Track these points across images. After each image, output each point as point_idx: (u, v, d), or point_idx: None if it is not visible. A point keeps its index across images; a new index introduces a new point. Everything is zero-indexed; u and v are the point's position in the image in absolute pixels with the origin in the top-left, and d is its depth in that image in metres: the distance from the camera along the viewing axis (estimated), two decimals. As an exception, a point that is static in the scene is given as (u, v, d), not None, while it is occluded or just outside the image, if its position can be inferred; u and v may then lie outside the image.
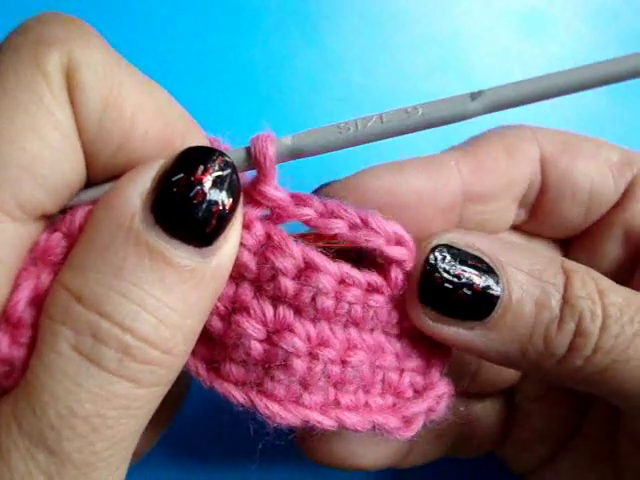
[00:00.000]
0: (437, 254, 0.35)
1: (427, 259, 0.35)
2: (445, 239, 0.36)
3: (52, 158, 0.30)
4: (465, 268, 0.35)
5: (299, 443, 0.47)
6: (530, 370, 0.39)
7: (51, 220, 0.32)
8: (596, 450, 0.47)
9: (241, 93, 0.63)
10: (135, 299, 0.29)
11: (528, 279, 0.36)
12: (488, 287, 0.35)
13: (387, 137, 0.32)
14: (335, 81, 0.65)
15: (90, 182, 0.33)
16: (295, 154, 0.32)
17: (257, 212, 0.34)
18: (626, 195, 0.45)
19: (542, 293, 0.35)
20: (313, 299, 0.33)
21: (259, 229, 0.33)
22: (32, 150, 0.29)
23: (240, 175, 0.34)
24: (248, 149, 0.32)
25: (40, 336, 0.29)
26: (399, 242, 0.35)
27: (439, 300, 0.35)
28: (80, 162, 0.31)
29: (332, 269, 0.33)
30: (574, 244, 0.48)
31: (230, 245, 0.31)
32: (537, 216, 0.46)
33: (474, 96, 0.31)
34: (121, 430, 0.29)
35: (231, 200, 0.30)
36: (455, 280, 0.35)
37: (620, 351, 0.35)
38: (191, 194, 0.29)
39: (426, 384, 0.39)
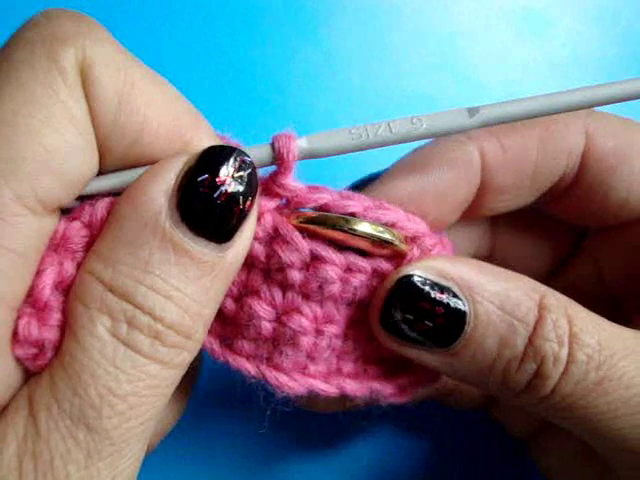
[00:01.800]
0: (404, 284, 0.35)
1: (393, 287, 0.36)
2: (418, 268, 0.36)
3: (69, 153, 0.30)
4: (433, 298, 0.35)
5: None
6: (494, 394, 0.40)
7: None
8: None
9: (240, 93, 0.64)
10: (162, 291, 0.31)
11: (497, 313, 0.35)
12: (453, 320, 0.35)
13: (393, 144, 0.36)
14: (334, 81, 0.66)
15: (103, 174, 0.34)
16: (310, 155, 0.36)
17: (270, 204, 0.37)
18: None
19: (508, 330, 0.35)
20: (320, 287, 0.36)
21: (268, 221, 0.36)
22: (50, 145, 0.30)
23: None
24: (272, 145, 0.35)
25: (75, 322, 0.31)
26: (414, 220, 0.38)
27: (399, 330, 0.36)
28: (94, 156, 0.32)
29: (338, 259, 0.36)
30: (593, 232, 0.47)
31: (244, 238, 0.34)
32: (559, 203, 0.45)
33: (471, 113, 0.35)
34: (152, 407, 0.32)
35: (250, 199, 0.32)
36: (418, 312, 0.35)
37: (579, 397, 0.35)
38: (215, 195, 0.31)
39: None
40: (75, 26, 0.32)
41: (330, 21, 0.67)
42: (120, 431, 0.31)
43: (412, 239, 0.38)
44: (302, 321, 0.36)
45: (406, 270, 0.36)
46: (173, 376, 0.33)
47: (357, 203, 0.36)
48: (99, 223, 0.33)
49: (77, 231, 0.33)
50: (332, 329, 0.38)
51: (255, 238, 0.36)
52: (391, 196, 0.39)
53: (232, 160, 0.31)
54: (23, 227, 0.30)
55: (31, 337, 0.31)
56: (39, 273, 0.32)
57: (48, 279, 0.32)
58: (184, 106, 0.35)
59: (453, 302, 0.35)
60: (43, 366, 0.32)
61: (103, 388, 0.30)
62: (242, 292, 0.37)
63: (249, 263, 0.37)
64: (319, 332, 0.37)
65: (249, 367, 0.37)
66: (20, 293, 0.31)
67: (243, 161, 0.32)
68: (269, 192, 0.37)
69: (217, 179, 0.31)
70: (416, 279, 0.35)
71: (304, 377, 0.37)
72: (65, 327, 0.32)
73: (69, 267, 0.32)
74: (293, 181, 0.36)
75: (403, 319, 0.35)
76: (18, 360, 0.31)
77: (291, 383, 0.37)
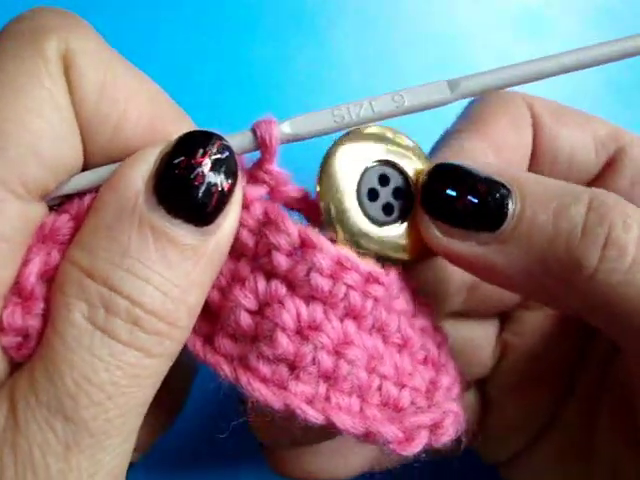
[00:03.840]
0: (443, 166, 0.35)
1: (430, 171, 0.35)
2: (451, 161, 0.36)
3: (53, 138, 0.31)
4: (474, 174, 0.34)
5: (267, 456, 0.46)
6: (555, 290, 0.35)
7: (48, 202, 0.34)
8: (570, 443, 0.47)
9: (240, 93, 0.64)
10: (141, 275, 0.30)
11: (543, 191, 0.34)
12: (496, 195, 0.34)
13: (376, 122, 0.36)
14: (334, 80, 0.66)
15: (87, 167, 0.34)
16: (293, 139, 0.35)
17: (258, 192, 0.36)
18: (606, 169, 0.44)
19: (559, 204, 0.33)
20: (307, 275, 0.34)
21: (258, 208, 0.35)
22: (35, 130, 0.30)
23: (242, 157, 0.37)
24: (253, 131, 0.35)
25: (54, 310, 0.31)
26: None
27: (444, 209, 0.35)
28: (78, 144, 0.33)
29: (329, 248, 0.34)
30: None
31: (229, 223, 0.33)
32: None
33: (452, 86, 0.35)
34: (132, 398, 0.31)
35: (229, 181, 0.32)
36: (459, 188, 0.34)
37: None
38: (191, 176, 0.30)
39: (430, 405, 0.37)
40: (60, 20, 0.32)
41: (329, 21, 0.67)
42: (98, 422, 0.30)
43: None
44: (282, 313, 0.33)
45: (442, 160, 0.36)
46: (155, 366, 0.32)
47: None
48: (84, 214, 0.33)
49: (65, 223, 0.33)
50: (318, 337, 0.34)
51: (245, 226, 0.35)
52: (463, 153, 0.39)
53: (209, 143, 0.31)
54: (7, 212, 0.30)
55: (15, 325, 0.31)
56: (25, 262, 0.32)
57: (34, 268, 0.31)
58: (166, 101, 0.35)
59: (495, 182, 0.34)
60: (27, 356, 0.31)
61: (79, 376, 0.29)
62: (229, 282, 0.36)
63: (238, 252, 0.36)
64: (303, 336, 0.34)
65: (225, 367, 0.34)
66: (6, 279, 0.31)
67: (220, 144, 0.32)
68: (255, 179, 0.36)
69: (193, 160, 0.31)
70: (454, 166, 0.35)
71: (281, 390, 0.33)
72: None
73: (55, 258, 0.32)
74: (277, 167, 0.36)
75: (446, 198, 0.34)
76: (3, 349, 0.31)
77: (265, 391, 0.33)
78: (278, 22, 0.66)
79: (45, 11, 0.33)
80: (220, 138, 0.32)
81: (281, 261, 0.34)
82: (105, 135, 0.33)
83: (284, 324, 0.33)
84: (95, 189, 0.34)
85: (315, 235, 0.34)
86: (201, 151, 0.31)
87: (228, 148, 0.32)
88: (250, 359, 0.34)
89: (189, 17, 0.66)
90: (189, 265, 0.32)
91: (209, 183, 0.31)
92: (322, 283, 0.34)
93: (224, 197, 0.32)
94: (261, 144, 0.35)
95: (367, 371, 0.35)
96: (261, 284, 0.35)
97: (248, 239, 0.35)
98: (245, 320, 0.34)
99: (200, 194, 0.31)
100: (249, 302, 0.34)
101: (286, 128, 0.35)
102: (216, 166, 0.31)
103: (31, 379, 0.30)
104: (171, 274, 0.31)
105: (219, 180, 0.31)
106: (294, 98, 0.64)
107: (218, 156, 0.31)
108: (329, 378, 0.34)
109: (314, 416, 0.33)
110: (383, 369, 0.36)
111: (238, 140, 0.35)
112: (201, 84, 0.64)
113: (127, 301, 0.30)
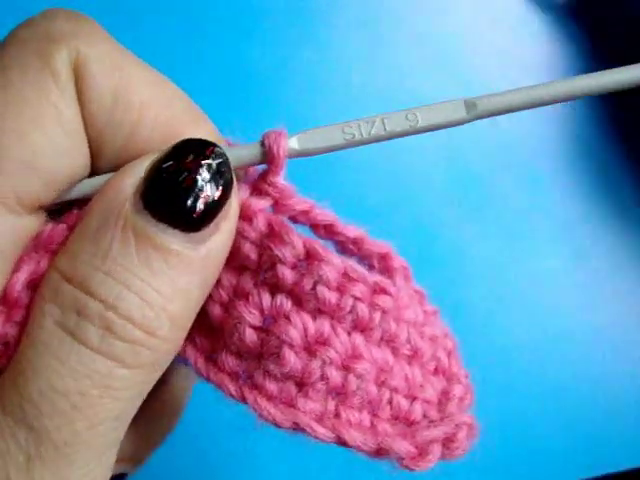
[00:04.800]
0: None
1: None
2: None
3: (54, 153, 0.30)
4: None
5: None
6: None
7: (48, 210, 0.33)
8: None
9: (239, 93, 0.64)
10: (120, 279, 0.29)
11: None
12: None
13: (387, 140, 0.35)
14: (334, 81, 0.65)
15: (97, 173, 0.33)
16: (301, 154, 0.35)
17: (261, 204, 0.35)
18: None
19: None
20: (313, 288, 0.33)
21: (261, 220, 0.34)
22: (35, 145, 0.29)
23: (252, 169, 0.36)
24: (262, 142, 0.34)
25: (30, 315, 0.30)
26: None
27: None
28: (83, 158, 0.32)
29: (335, 260, 0.33)
30: None
31: (222, 235, 0.32)
32: None
33: (468, 106, 0.34)
34: (102, 410, 0.29)
35: (221, 189, 0.30)
36: None
37: None
38: (179, 179, 0.29)
39: (442, 417, 0.36)
40: (70, 25, 0.31)
41: (329, 21, 0.67)
42: (63, 434, 0.28)
43: (382, 257, 0.37)
44: (289, 329, 0.32)
45: None
46: (131, 378, 0.30)
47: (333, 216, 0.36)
48: None
49: (61, 232, 0.32)
50: (326, 352, 0.33)
51: (247, 238, 0.34)
52: None
53: (200, 148, 0.30)
54: (1, 225, 0.30)
55: None
56: (14, 270, 0.31)
57: (21, 276, 0.30)
58: (183, 104, 0.34)
59: None
60: (6, 364, 0.30)
61: (44, 383, 0.28)
62: (231, 297, 0.35)
63: (241, 266, 0.35)
64: (310, 352, 0.33)
65: (230, 385, 0.33)
66: None
67: (213, 150, 0.30)
68: (260, 191, 0.35)
69: (181, 165, 0.30)
70: None
71: (290, 408, 0.33)
72: None
73: (45, 267, 0.31)
74: (283, 180, 0.35)
75: None
76: None
77: (272, 410, 0.32)
78: (277, 22, 0.66)
79: (55, 15, 0.32)
80: (214, 145, 0.31)
81: (286, 274, 0.33)
82: (119, 142, 0.32)
83: (291, 340, 0.32)
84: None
85: (321, 247, 0.33)
86: (192, 156, 0.30)
87: (222, 155, 0.31)
88: (256, 377, 0.33)
89: (189, 17, 0.65)
90: (174, 273, 0.30)
91: (198, 188, 0.29)
92: (329, 296, 0.33)
93: (215, 204, 0.30)
94: (268, 155, 0.34)
95: (377, 385, 0.34)
96: (266, 299, 0.33)
97: (251, 252, 0.34)
98: (250, 336, 0.33)
99: (187, 198, 0.29)
100: (253, 318, 0.33)
101: (294, 143, 0.34)
102: (206, 171, 0.30)
103: (0, 386, 0.29)
104: (153, 280, 0.29)
105: (209, 186, 0.30)
106: (293, 98, 0.64)
107: (209, 161, 0.30)
108: (338, 394, 0.33)
109: (324, 434, 0.32)
110: (393, 382, 0.35)
111: (246, 151, 0.34)
112: (201, 84, 0.62)
113: (101, 305, 0.29)
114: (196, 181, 0.30)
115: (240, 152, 0.34)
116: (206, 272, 0.32)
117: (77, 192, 0.33)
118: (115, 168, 0.33)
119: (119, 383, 0.29)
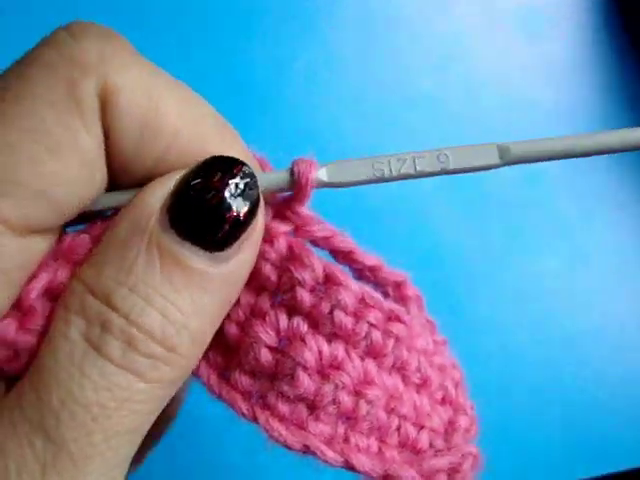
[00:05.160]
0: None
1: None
2: None
3: (68, 183, 0.30)
4: None
5: None
6: None
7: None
8: None
9: (240, 93, 0.64)
10: (143, 295, 0.29)
11: None
12: None
13: (416, 179, 0.35)
14: (334, 81, 0.65)
15: None
16: (328, 186, 0.35)
17: (283, 228, 0.35)
18: None
19: None
20: (330, 312, 0.33)
21: (282, 243, 0.35)
22: (49, 174, 0.29)
23: (277, 196, 0.36)
24: (291, 170, 0.34)
25: (52, 324, 0.30)
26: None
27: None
28: (98, 187, 0.32)
29: (353, 286, 0.34)
30: None
31: (245, 255, 0.32)
32: None
33: (501, 150, 0.34)
34: (120, 423, 0.29)
35: (247, 208, 0.30)
36: None
37: None
38: (205, 197, 0.30)
39: (448, 447, 0.37)
40: (100, 48, 0.30)
41: (330, 21, 0.67)
42: (80, 444, 0.28)
43: (397, 286, 0.37)
44: (304, 351, 0.33)
45: None
46: (149, 392, 0.30)
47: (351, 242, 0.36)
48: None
49: (83, 243, 0.32)
50: (338, 376, 0.33)
51: (267, 260, 0.35)
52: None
53: (229, 167, 0.31)
54: (4, 245, 0.29)
55: (6, 338, 0.30)
56: (31, 278, 0.31)
57: (38, 283, 0.31)
58: (212, 124, 0.34)
59: None
60: (18, 370, 0.31)
61: (65, 394, 0.28)
62: (248, 316, 0.35)
63: (259, 286, 0.35)
64: (323, 375, 0.33)
65: (242, 405, 0.33)
66: (2, 309, 0.30)
67: (242, 170, 0.31)
68: (281, 217, 0.36)
69: (209, 183, 0.30)
70: None
71: (301, 430, 0.33)
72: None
73: (63, 275, 0.32)
74: (306, 209, 0.35)
75: None
76: None
77: (284, 432, 0.33)
78: (277, 22, 0.66)
79: (83, 35, 0.31)
80: (243, 164, 0.31)
81: (305, 297, 0.34)
82: (145, 168, 0.32)
83: (305, 363, 0.33)
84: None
85: (340, 272, 0.34)
86: (219, 174, 0.30)
87: (250, 175, 0.31)
88: (269, 397, 0.34)
89: (188, 17, 0.65)
90: (196, 291, 0.30)
91: (224, 207, 0.30)
92: (345, 321, 0.33)
93: (240, 224, 0.30)
94: (296, 185, 0.34)
95: (386, 411, 0.35)
96: (282, 320, 0.34)
97: (271, 273, 0.35)
98: (265, 356, 0.34)
99: (213, 217, 0.30)
100: (269, 338, 0.34)
101: (323, 175, 0.34)
102: (233, 191, 0.30)
103: (19, 392, 0.29)
104: (175, 297, 0.30)
105: (235, 205, 0.30)
106: (294, 98, 0.64)
107: (236, 181, 0.30)
108: (348, 418, 0.34)
109: (333, 458, 0.33)
110: (403, 409, 0.35)
111: (274, 177, 0.34)
112: (201, 84, 0.63)
113: (123, 320, 0.29)
114: (223, 200, 0.30)
115: (268, 177, 0.34)
116: (227, 291, 0.32)
117: (101, 205, 0.33)
118: (142, 184, 0.33)
119: (138, 397, 0.30)
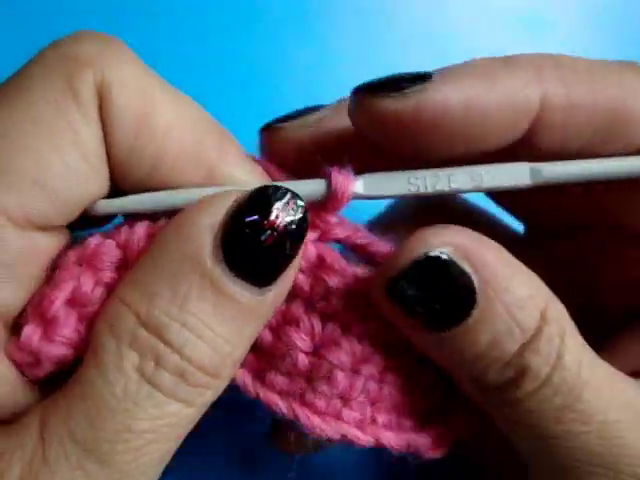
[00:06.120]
0: (427, 260, 0.32)
1: (415, 259, 0.32)
2: (447, 245, 0.32)
3: (67, 176, 0.31)
4: (452, 283, 0.32)
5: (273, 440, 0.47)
6: (464, 387, 0.37)
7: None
8: None
9: (239, 93, 0.64)
10: (195, 330, 0.30)
11: (501, 313, 0.32)
12: (460, 308, 0.32)
13: (449, 195, 0.36)
14: (333, 81, 0.64)
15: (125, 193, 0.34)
16: (362, 198, 0.35)
17: (311, 236, 0.36)
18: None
19: (505, 332, 0.32)
20: (364, 315, 0.35)
21: (312, 252, 0.36)
22: (48, 165, 0.30)
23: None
24: (328, 182, 0.34)
25: (101, 351, 0.30)
26: None
27: (404, 302, 0.33)
28: (99, 182, 0.32)
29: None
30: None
31: (286, 281, 0.33)
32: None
33: (533, 172, 0.35)
34: (168, 444, 0.31)
35: (296, 245, 0.31)
36: (431, 292, 0.32)
37: (540, 415, 0.33)
38: (261, 238, 0.30)
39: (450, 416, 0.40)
40: (98, 48, 0.31)
41: (327, 20, 0.67)
42: (131, 467, 0.30)
43: None
44: (341, 355, 0.35)
45: (435, 243, 0.32)
46: (194, 414, 0.32)
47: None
48: (136, 246, 0.32)
49: (109, 250, 0.33)
50: (368, 370, 0.36)
51: (299, 270, 0.35)
52: (441, 101, 0.33)
53: (283, 203, 0.31)
54: (6, 239, 0.30)
55: (31, 346, 0.31)
56: (54, 285, 0.32)
57: (61, 294, 0.31)
58: (208, 127, 0.34)
59: (466, 291, 0.32)
60: (40, 376, 0.32)
61: (120, 424, 0.30)
62: (280, 323, 0.36)
63: (291, 294, 0.36)
64: (355, 371, 0.36)
65: (280, 404, 0.35)
66: (6, 302, 0.31)
67: (295, 204, 0.31)
68: (311, 224, 0.36)
69: (265, 221, 0.30)
70: (443, 257, 0.32)
71: (338, 422, 0.35)
72: (83, 349, 0.32)
73: (87, 283, 0.32)
74: (338, 219, 0.36)
75: (413, 294, 0.32)
76: (15, 364, 0.32)
77: (324, 426, 0.35)
78: (275, 21, 0.66)
79: (82, 38, 0.32)
80: (296, 196, 0.31)
81: (337, 302, 0.35)
82: (142, 170, 0.33)
83: (342, 364, 0.35)
84: (140, 215, 0.34)
85: (369, 275, 0.35)
86: (275, 212, 0.30)
87: (302, 208, 0.31)
88: (307, 396, 0.36)
89: (188, 17, 0.65)
90: (243, 323, 0.32)
91: (278, 247, 0.30)
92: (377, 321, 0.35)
93: (288, 259, 0.31)
94: (332, 198, 0.35)
95: (401, 391, 0.38)
96: (317, 326, 0.35)
97: (303, 282, 0.36)
98: (302, 361, 0.35)
99: (267, 256, 0.30)
100: (305, 344, 0.35)
101: (359, 188, 0.35)
102: (287, 229, 0.30)
103: (68, 416, 0.30)
104: (224, 330, 0.31)
105: (288, 244, 0.31)
106: (294, 98, 0.64)
107: (291, 218, 0.31)
108: (374, 403, 0.37)
109: (367, 440, 0.36)
110: (418, 384, 0.38)
111: (309, 188, 0.35)
112: (200, 84, 0.61)
113: (177, 355, 0.30)
114: (278, 241, 0.30)
115: (304, 188, 0.35)
116: (269, 315, 0.34)
117: (123, 209, 0.34)
118: (143, 189, 0.34)
119: (185, 420, 0.31)
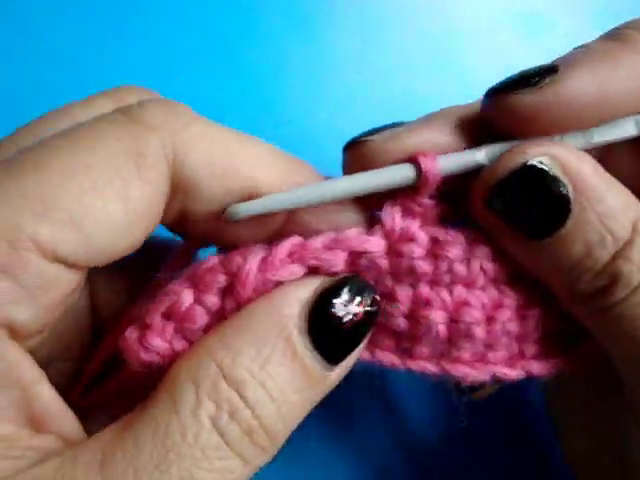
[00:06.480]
0: (526, 169, 0.34)
1: (513, 169, 0.34)
2: (546, 155, 0.34)
3: (104, 224, 0.32)
4: (549, 191, 0.34)
5: None
6: (561, 297, 0.38)
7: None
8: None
9: (239, 93, 0.63)
10: (269, 391, 0.32)
11: (595, 223, 0.34)
12: (556, 216, 0.34)
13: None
14: (332, 81, 0.65)
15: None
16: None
17: (415, 225, 0.37)
18: None
19: (598, 241, 0.34)
20: (482, 268, 0.38)
21: (423, 237, 0.37)
22: (87, 207, 0.31)
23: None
24: (416, 166, 0.36)
25: (178, 395, 0.31)
26: None
27: (502, 212, 0.35)
28: (132, 239, 0.33)
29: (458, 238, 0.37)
30: None
31: (350, 362, 0.35)
32: None
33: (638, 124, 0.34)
34: None
35: (367, 332, 0.35)
36: (529, 201, 0.34)
37: (633, 318, 0.35)
38: (344, 320, 0.33)
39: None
40: (163, 111, 0.34)
41: (327, 20, 0.67)
42: None
43: None
44: (472, 312, 0.37)
45: (533, 153, 0.34)
46: (244, 475, 0.32)
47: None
48: (244, 277, 0.34)
49: (216, 275, 0.34)
50: (502, 314, 0.38)
51: (416, 257, 0.37)
52: (576, 89, 0.34)
53: (367, 295, 0.34)
54: (31, 265, 0.31)
55: (130, 345, 0.33)
56: (159, 296, 0.34)
57: (162, 305, 0.34)
58: (280, 160, 0.36)
59: (562, 200, 0.34)
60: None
61: (186, 471, 0.30)
62: (413, 308, 0.38)
63: (413, 282, 0.38)
64: (490, 319, 0.38)
65: (431, 367, 0.39)
66: (23, 320, 0.31)
67: (375, 299, 0.34)
68: (410, 212, 0.37)
69: (350, 306, 0.33)
70: (540, 167, 0.34)
71: (485, 365, 0.39)
72: (161, 387, 0.32)
73: (187, 299, 0.34)
74: (428, 199, 0.38)
75: (511, 203, 0.35)
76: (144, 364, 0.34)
77: (474, 372, 0.38)
78: (276, 22, 0.66)
79: (146, 103, 0.34)
80: (374, 291, 0.34)
81: (461, 269, 0.37)
82: (214, 230, 0.35)
83: (476, 320, 0.37)
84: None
85: (441, 232, 0.37)
86: (359, 299, 0.34)
87: (377, 303, 0.35)
88: (452, 354, 0.39)
89: (188, 17, 0.65)
90: (310, 394, 0.33)
91: (354, 331, 0.33)
92: (490, 268, 0.38)
93: (358, 343, 0.34)
94: (422, 181, 0.35)
95: (537, 319, 0.39)
96: (446, 297, 0.38)
97: (425, 266, 0.37)
98: (442, 332, 0.38)
99: (343, 337, 0.33)
100: (441, 316, 0.37)
101: (480, 157, 0.35)
102: (364, 318, 0.34)
103: (134, 455, 0.30)
104: (293, 397, 0.33)
105: (362, 330, 0.34)
106: (292, 98, 0.64)
107: (369, 309, 0.34)
108: (518, 337, 0.39)
109: (517, 374, 0.39)
110: (534, 315, 0.40)
111: (398, 174, 0.35)
112: (200, 84, 0.63)
113: (249, 412, 0.31)
114: (355, 324, 0.33)
115: (392, 175, 0.35)
116: (325, 393, 0.35)
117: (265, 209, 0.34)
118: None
119: (234, 476, 0.32)
